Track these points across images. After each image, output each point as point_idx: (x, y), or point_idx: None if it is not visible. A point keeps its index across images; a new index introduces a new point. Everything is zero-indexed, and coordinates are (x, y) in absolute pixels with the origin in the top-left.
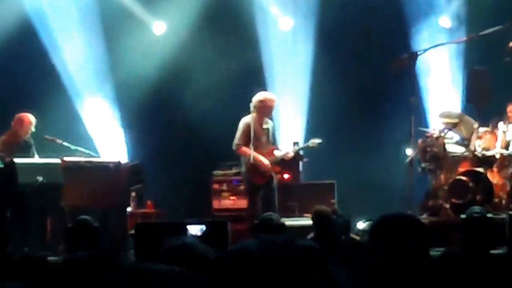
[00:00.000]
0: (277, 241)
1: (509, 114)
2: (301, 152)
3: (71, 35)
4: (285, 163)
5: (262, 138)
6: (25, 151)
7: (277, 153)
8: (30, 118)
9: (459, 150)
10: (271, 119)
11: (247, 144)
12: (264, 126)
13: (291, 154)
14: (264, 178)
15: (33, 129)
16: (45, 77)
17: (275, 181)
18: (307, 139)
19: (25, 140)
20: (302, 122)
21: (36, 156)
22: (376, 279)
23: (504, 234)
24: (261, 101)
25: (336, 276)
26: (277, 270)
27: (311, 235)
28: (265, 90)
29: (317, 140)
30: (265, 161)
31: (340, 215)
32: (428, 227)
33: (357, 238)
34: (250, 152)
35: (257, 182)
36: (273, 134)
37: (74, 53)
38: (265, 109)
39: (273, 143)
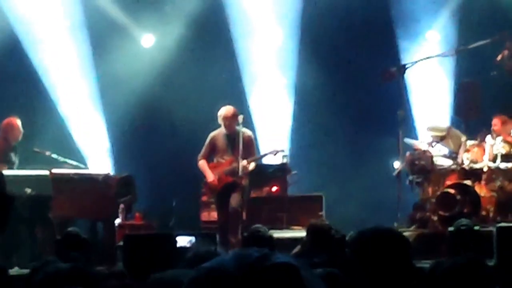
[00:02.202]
0: (253, 256)
1: (494, 128)
2: (285, 161)
3: (58, 46)
4: (273, 176)
5: (226, 150)
6: (14, 157)
7: (233, 164)
8: (18, 122)
9: (447, 163)
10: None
11: (208, 157)
12: (229, 138)
13: (245, 164)
14: (214, 192)
15: (21, 131)
16: (32, 89)
17: (241, 190)
18: (292, 151)
19: (15, 146)
20: (288, 134)
21: (17, 162)
22: None
23: (491, 246)
24: (220, 115)
25: None
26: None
27: (298, 248)
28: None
29: (278, 149)
30: (209, 177)
31: (336, 230)
32: (407, 239)
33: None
34: (202, 166)
35: (210, 194)
36: (247, 145)
37: (62, 65)
38: (224, 122)
39: (246, 154)
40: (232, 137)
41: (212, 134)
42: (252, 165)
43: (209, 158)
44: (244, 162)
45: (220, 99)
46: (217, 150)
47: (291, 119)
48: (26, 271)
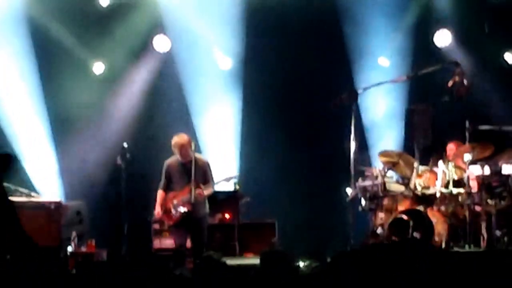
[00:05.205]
0: None
1: (448, 153)
2: (237, 187)
3: (7, 73)
4: (225, 203)
5: (181, 178)
6: None
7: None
8: None
9: (399, 189)
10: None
11: (167, 186)
12: (184, 166)
13: (200, 191)
14: (171, 220)
15: None
16: None
17: (201, 220)
18: (243, 177)
19: None
20: (237, 160)
21: None
22: None
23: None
24: (173, 144)
25: None
26: None
27: (251, 275)
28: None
29: (231, 176)
30: (156, 209)
31: (290, 259)
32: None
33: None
34: (157, 197)
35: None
36: (203, 171)
37: (10, 92)
38: (175, 150)
39: (203, 180)
40: (186, 164)
41: (166, 162)
42: (208, 191)
43: (168, 186)
44: (199, 190)
45: (170, 128)
46: (173, 179)
47: (240, 144)
48: None
